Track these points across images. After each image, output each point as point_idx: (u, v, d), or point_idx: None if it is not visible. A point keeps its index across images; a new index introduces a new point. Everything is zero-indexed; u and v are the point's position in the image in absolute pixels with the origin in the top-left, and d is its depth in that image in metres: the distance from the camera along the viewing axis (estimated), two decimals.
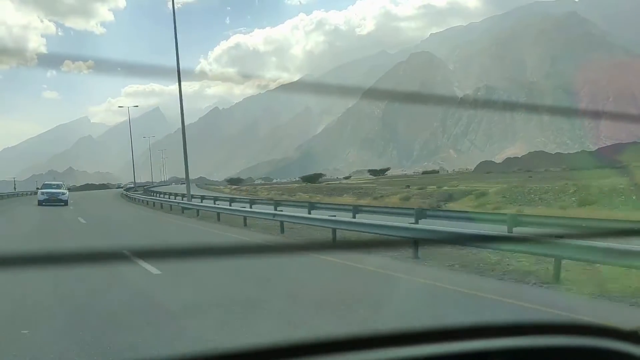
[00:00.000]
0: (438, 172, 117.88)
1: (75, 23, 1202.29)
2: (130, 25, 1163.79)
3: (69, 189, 46.82)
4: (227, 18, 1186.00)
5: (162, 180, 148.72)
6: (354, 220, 14.49)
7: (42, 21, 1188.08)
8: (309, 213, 18.35)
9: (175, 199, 34.44)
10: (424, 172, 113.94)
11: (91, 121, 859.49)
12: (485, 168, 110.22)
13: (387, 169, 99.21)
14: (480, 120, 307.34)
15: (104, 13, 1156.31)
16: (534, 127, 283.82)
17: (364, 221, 12.95)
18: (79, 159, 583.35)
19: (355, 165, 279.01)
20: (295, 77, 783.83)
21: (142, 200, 40.18)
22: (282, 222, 15.47)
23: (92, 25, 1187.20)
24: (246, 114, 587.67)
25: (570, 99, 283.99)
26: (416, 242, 9.53)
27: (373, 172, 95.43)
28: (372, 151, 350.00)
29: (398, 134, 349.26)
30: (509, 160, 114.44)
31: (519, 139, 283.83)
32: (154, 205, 34.80)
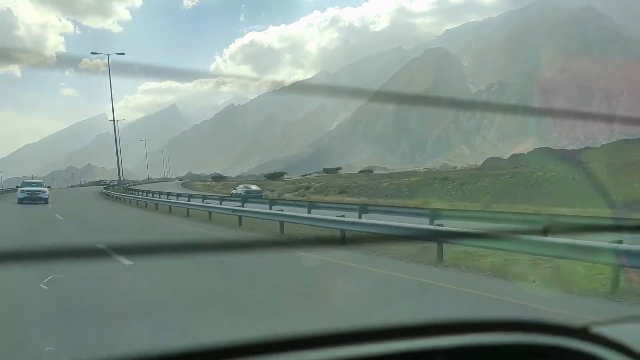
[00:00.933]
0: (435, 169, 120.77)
1: (93, 22, 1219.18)
2: (147, 23, 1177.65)
3: (72, 186, 51.08)
4: (242, 15, 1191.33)
5: (164, 176, 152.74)
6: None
7: (60, 20, 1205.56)
8: (220, 203, 25.47)
9: (146, 196, 37.21)
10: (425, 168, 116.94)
11: (109, 118, 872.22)
12: (493, 164, 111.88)
13: (339, 168, 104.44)
14: (494, 116, 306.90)
15: (121, 11, 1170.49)
16: (547, 122, 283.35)
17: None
18: (98, 156, 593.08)
19: (368, 161, 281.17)
20: (310, 74, 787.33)
21: (117, 197, 42.45)
22: (210, 212, 21.07)
23: (110, 24, 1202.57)
24: (261, 110, 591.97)
25: (583, 94, 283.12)
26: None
27: (327, 170, 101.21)
28: (385, 147, 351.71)
29: (411, 130, 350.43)
30: (514, 157, 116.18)
31: (532, 134, 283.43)
32: (130, 202, 36.85)
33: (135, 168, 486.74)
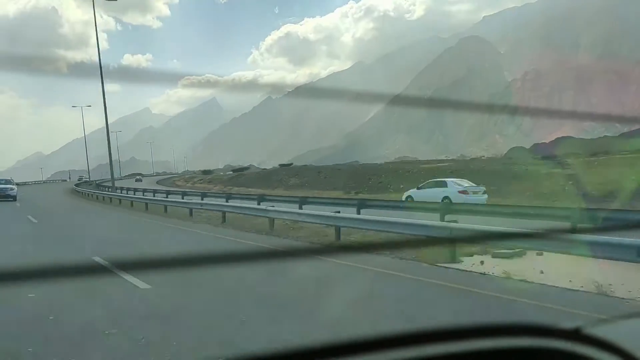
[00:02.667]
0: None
1: (133, 18, 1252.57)
2: (185, 18, 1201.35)
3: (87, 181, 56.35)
4: (276, 8, 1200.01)
5: (177, 171, 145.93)
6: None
7: (101, 17, 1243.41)
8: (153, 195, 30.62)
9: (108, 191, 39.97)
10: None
11: (152, 112, 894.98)
12: (516, 154, 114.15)
13: (291, 164, 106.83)
14: (528, 105, 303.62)
15: (160, 7, 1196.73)
16: (582, 110, 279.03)
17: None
18: (141, 149, 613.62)
19: (401, 152, 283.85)
20: (346, 65, 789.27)
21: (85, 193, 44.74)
22: (165, 206, 23.84)
23: (149, 20, 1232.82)
24: (298, 102, 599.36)
25: (621, 81, 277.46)
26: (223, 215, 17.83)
27: (235, 169, 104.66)
28: (419, 138, 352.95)
29: (445, 119, 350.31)
30: (535, 146, 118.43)
31: (566, 123, 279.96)
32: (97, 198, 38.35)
33: (178, 160, 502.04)
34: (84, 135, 58.98)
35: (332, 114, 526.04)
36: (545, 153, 53.71)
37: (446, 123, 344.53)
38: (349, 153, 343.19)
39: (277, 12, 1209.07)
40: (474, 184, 22.42)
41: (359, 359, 0.67)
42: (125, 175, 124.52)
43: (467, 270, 8.29)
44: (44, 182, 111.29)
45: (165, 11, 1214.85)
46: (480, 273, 8.05)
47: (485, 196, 20.97)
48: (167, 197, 27.59)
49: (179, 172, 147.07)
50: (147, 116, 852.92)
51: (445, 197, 20.16)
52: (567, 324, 0.85)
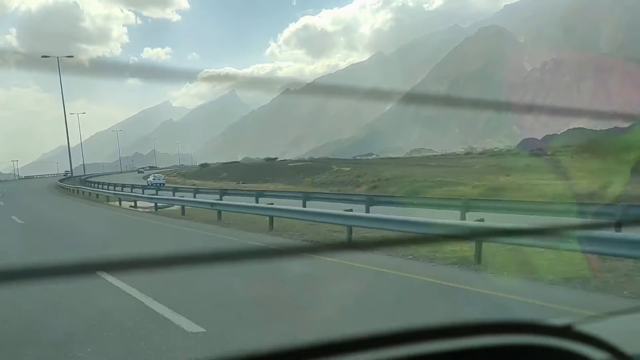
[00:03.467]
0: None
1: (153, 12, 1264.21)
2: (203, 11, 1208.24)
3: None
4: (294, 0, 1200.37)
5: (195, 164, 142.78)
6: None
7: (122, 11, 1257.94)
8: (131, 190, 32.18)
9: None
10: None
11: (173, 105, 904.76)
12: (529, 145, 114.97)
13: (275, 158, 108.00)
14: (547, 95, 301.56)
15: (180, 0, 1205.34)
16: (602, 101, 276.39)
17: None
18: (162, 141, 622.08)
19: (418, 144, 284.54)
20: (365, 56, 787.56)
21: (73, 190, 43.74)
22: (135, 201, 25.02)
23: (169, 13, 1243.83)
24: (316, 94, 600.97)
25: None
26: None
27: (202, 164, 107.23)
28: (436, 129, 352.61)
29: (462, 111, 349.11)
30: (548, 137, 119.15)
31: (585, 114, 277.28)
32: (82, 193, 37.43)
33: (198, 153, 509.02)
34: (67, 144, 60.86)
35: (351, 106, 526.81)
36: (536, 147, 55.56)
37: (464, 114, 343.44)
38: (368, 144, 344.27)
39: (294, 4, 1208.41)
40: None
41: (355, 357, 0.68)
42: (137, 169, 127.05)
43: None
44: (53, 175, 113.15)
45: (185, 4, 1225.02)
46: None
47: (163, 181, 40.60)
48: (131, 191, 30.12)
49: (186, 165, 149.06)
50: (168, 109, 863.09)
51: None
52: (559, 320, 0.88)
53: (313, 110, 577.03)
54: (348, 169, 41.22)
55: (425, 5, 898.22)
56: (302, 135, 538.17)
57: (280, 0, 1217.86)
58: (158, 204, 20.95)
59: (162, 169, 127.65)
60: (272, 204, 13.93)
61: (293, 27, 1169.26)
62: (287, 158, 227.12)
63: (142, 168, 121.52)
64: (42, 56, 50.55)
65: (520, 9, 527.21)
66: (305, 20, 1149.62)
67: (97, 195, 31.36)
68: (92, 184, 41.06)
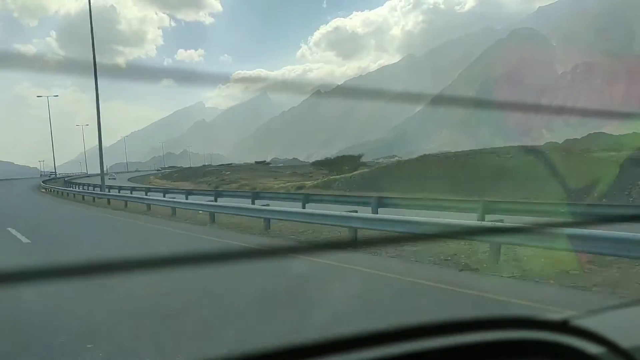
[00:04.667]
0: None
1: (187, 14, 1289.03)
2: (235, 14, 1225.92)
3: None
4: (324, 2, 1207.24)
5: (205, 163, 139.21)
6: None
7: (156, 14, 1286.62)
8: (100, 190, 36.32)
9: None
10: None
11: (205, 106, 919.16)
12: (548, 147, 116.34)
13: (264, 161, 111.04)
14: (577, 98, 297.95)
15: (213, 3, 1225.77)
16: (634, 105, 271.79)
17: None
18: (193, 142, 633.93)
19: (446, 146, 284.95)
20: (395, 59, 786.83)
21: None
22: (108, 199, 27.08)
23: (202, 16, 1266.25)
24: (347, 96, 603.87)
25: None
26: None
27: (258, 162, 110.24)
28: (464, 131, 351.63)
29: (491, 113, 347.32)
30: (567, 142, 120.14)
31: (614, 116, 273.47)
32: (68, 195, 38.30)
33: (228, 153, 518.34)
34: (84, 150, 68.15)
35: (380, 107, 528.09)
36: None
37: (492, 117, 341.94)
38: (396, 146, 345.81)
39: (325, 6, 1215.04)
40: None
41: (349, 356, 0.69)
42: (163, 168, 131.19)
43: None
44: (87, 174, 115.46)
45: (218, 7, 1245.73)
46: None
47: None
48: (109, 192, 32.58)
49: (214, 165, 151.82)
50: (201, 110, 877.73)
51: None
52: (556, 315, 0.89)
53: (343, 112, 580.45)
54: (229, 172, 60.52)
55: (457, 7, 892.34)
56: (332, 137, 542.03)
57: (311, 2, 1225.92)
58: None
59: (146, 171, 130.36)
60: (268, 204, 14.52)
61: (324, 29, 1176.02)
62: (316, 159, 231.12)
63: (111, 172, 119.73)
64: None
65: (554, 10, 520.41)
66: (336, 22, 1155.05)
67: (83, 196, 32.12)
68: (75, 185, 43.50)
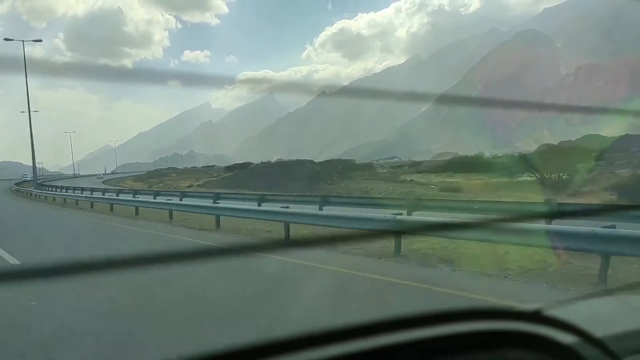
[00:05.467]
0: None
1: (193, 16, 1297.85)
2: (241, 15, 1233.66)
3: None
4: (329, 4, 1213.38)
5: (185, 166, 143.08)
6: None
7: (163, 16, 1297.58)
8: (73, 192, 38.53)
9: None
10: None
11: (212, 107, 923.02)
12: (544, 149, 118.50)
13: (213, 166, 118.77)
14: (580, 99, 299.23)
15: (219, 4, 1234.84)
16: (636, 106, 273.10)
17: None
18: (200, 142, 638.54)
19: (449, 147, 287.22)
20: (401, 60, 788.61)
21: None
22: (76, 200, 29.65)
23: (208, 17, 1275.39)
24: (352, 96, 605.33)
25: None
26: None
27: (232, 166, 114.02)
28: (468, 131, 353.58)
29: (494, 114, 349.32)
30: (563, 143, 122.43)
31: (619, 113, 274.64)
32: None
33: (233, 154, 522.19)
34: (71, 154, 71.35)
35: (385, 108, 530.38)
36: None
37: (495, 118, 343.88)
38: (400, 147, 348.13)
39: (330, 8, 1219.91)
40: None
41: (322, 351, 0.69)
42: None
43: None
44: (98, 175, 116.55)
45: (224, 8, 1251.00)
46: None
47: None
48: (73, 192, 34.37)
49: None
50: (207, 110, 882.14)
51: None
52: (528, 306, 0.91)
53: (348, 113, 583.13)
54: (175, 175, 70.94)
55: (461, 9, 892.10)
56: (337, 137, 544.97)
57: (316, 4, 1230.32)
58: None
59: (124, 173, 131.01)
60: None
61: (329, 30, 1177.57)
62: (322, 160, 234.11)
63: (103, 173, 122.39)
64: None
65: (559, 12, 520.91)
66: (341, 23, 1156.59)
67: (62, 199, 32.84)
68: (49, 188, 43.32)
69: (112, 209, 22.15)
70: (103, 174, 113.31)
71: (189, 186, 47.17)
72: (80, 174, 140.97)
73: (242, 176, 47.06)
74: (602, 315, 1.07)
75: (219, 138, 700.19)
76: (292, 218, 12.08)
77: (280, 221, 12.33)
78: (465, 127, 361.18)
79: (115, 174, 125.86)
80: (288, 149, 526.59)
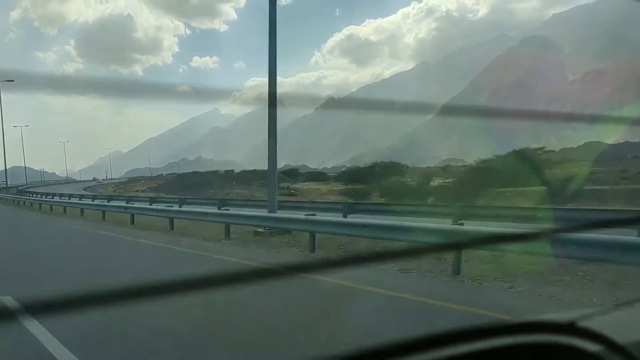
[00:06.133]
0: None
1: (201, 22, 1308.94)
2: (250, 21, 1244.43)
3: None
4: (337, 10, 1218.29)
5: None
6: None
7: (172, 22, 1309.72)
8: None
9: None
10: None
11: (221, 112, 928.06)
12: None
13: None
14: (587, 105, 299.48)
15: (228, 11, 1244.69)
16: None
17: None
18: (208, 148, 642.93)
19: (454, 153, 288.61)
20: (409, 66, 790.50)
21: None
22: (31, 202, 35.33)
23: (216, 24, 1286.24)
24: (359, 106, 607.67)
25: None
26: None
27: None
28: (474, 138, 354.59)
29: (500, 121, 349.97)
30: (564, 151, 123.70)
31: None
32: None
33: (241, 159, 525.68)
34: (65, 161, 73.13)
35: (392, 115, 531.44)
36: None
37: (501, 124, 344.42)
38: (407, 153, 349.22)
39: (338, 14, 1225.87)
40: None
41: None
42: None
43: None
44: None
45: (232, 15, 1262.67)
46: None
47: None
48: (45, 197, 36.04)
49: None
50: (216, 116, 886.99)
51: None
52: (562, 316, 0.90)
53: (356, 119, 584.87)
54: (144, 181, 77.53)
55: (469, 15, 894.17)
56: (345, 143, 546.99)
57: (323, 11, 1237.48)
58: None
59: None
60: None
61: (337, 36, 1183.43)
62: (329, 166, 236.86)
63: (102, 179, 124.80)
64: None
65: (568, 18, 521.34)
66: (349, 30, 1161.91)
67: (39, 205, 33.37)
68: (30, 194, 44.37)
69: (65, 211, 26.68)
70: (102, 180, 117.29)
71: (136, 191, 55.76)
72: (83, 179, 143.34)
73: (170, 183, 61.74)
74: (626, 323, 1.05)
75: (228, 144, 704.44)
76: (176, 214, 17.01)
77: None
78: (472, 134, 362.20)
79: (112, 179, 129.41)
80: (295, 154, 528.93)
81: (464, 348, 0.76)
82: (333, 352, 0.70)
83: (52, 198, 34.12)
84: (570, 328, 0.84)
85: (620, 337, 0.86)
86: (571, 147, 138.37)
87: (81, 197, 34.79)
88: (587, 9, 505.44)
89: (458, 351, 0.75)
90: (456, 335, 0.77)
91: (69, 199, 31.66)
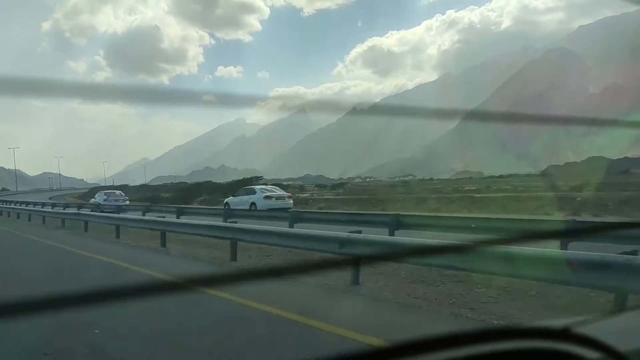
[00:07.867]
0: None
1: (226, 33, 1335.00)
2: (274, 32, 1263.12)
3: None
4: (359, 21, 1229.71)
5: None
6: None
7: (197, 33, 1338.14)
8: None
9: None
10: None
11: (246, 122, 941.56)
12: (550, 172, 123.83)
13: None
14: (604, 120, 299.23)
15: (252, 22, 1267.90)
16: None
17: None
18: (232, 157, 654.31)
19: (472, 166, 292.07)
20: (433, 77, 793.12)
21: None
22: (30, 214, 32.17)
23: (241, 34, 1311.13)
24: (382, 114, 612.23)
25: None
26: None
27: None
28: (492, 152, 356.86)
29: (519, 135, 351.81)
30: (568, 165, 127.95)
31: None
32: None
33: (264, 169, 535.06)
34: (58, 168, 79.40)
35: (415, 124, 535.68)
36: None
37: (521, 137, 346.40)
38: (425, 164, 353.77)
39: (360, 25, 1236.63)
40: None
41: None
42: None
43: None
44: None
45: (257, 26, 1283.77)
46: None
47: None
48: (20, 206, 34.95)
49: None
50: (242, 125, 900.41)
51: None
52: (556, 322, 0.91)
53: (378, 130, 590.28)
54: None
55: (492, 27, 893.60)
56: (367, 153, 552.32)
57: (345, 22, 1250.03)
58: None
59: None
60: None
61: (359, 47, 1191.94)
62: (350, 176, 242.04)
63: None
64: None
65: (593, 30, 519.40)
66: (372, 41, 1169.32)
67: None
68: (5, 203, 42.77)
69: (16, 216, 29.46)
70: (54, 189, 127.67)
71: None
72: (108, 184, 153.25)
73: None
74: (627, 331, 1.09)
75: (252, 153, 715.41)
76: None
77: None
78: (489, 146, 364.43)
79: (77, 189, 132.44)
80: (317, 164, 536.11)
81: (458, 353, 0.77)
82: (333, 352, 0.72)
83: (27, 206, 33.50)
84: (564, 334, 0.86)
85: (621, 344, 0.87)
86: (575, 162, 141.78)
87: (54, 205, 34.58)
88: (614, 20, 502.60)
89: (452, 355, 0.77)
90: (451, 340, 0.78)
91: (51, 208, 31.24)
